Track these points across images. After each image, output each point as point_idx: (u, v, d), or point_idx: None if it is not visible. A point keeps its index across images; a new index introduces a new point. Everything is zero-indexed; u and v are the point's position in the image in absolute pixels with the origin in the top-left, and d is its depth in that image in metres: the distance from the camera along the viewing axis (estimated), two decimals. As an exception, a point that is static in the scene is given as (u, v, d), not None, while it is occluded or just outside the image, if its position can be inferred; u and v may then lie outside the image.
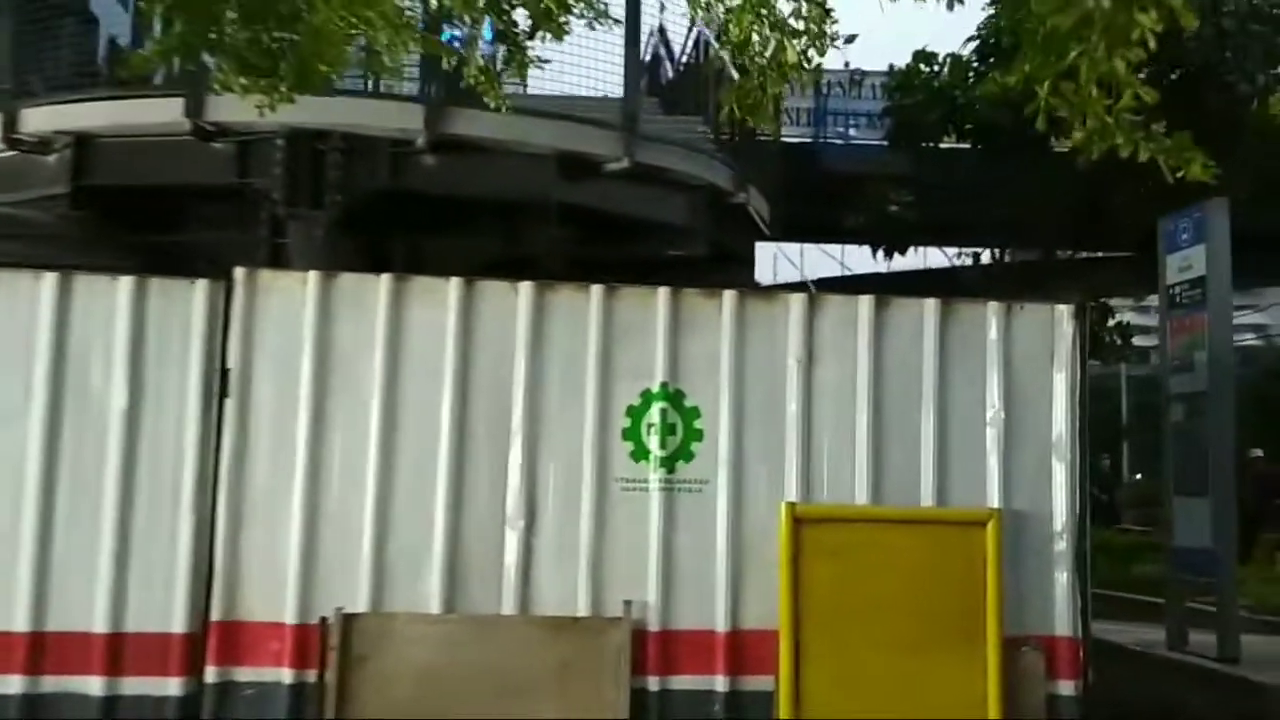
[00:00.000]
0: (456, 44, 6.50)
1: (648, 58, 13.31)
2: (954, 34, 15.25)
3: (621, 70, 10.42)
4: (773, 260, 22.18)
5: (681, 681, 5.50)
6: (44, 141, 9.51)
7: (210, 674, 5.35)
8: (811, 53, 4.30)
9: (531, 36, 5.64)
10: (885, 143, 16.08)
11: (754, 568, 5.57)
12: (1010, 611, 5.54)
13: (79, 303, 5.52)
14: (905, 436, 5.71)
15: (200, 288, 5.57)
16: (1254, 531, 12.89)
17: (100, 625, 5.33)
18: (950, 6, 4.42)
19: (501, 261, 8.47)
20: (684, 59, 13.86)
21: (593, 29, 5.77)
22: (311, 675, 5.33)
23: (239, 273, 5.60)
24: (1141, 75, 3.66)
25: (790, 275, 20.80)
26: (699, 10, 5.66)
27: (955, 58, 15.43)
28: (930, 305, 5.82)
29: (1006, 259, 17.36)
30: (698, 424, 5.67)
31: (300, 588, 5.41)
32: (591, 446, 5.60)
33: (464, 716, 5.30)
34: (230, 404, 5.49)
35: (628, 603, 5.49)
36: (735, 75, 8.60)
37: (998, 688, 5.46)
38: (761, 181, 11.95)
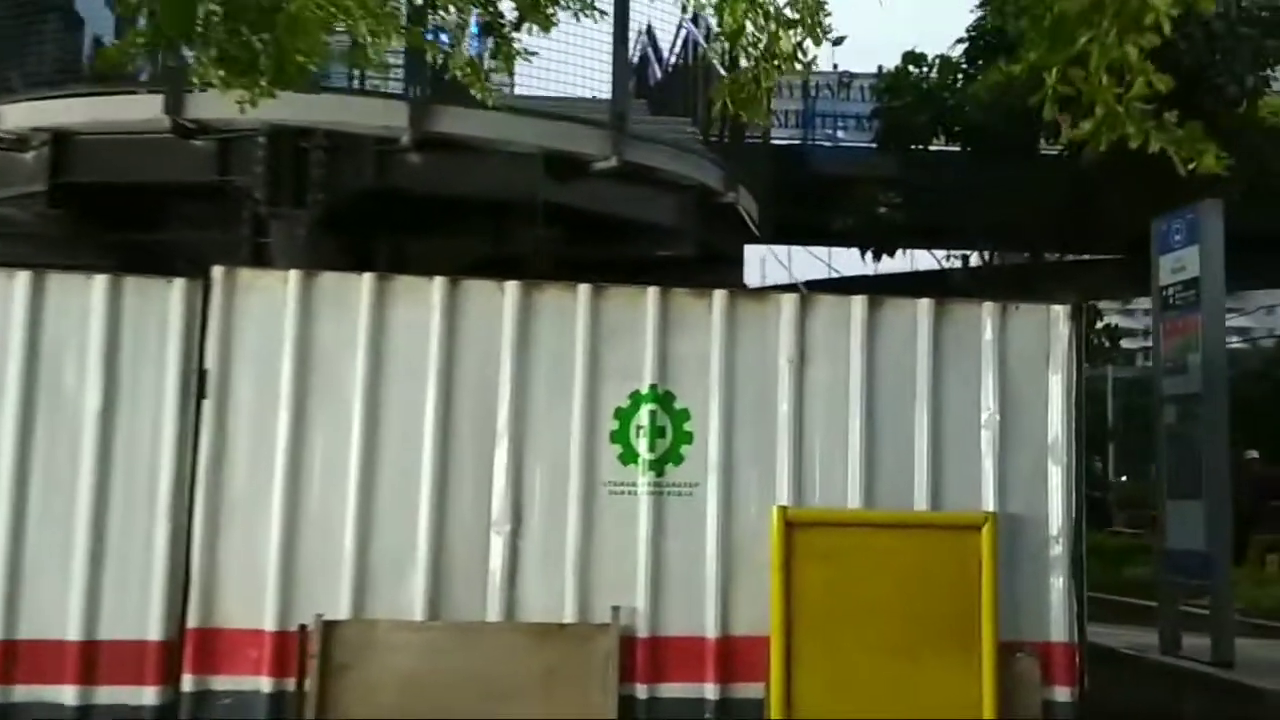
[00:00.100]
0: (444, 38, 6.39)
1: (636, 59, 13.25)
2: (943, 36, 15.25)
3: (609, 70, 10.34)
4: (760, 263, 22.17)
5: (671, 689, 5.40)
6: (21, 138, 9.39)
7: (187, 683, 5.23)
8: (807, 43, 4.21)
9: (518, 28, 5.54)
10: (874, 145, 16.05)
11: (745, 573, 5.48)
12: (1005, 616, 5.46)
13: (53, 301, 5.41)
14: (899, 439, 5.63)
15: (177, 287, 5.47)
16: (1246, 533, 12.86)
17: (74, 633, 5.21)
18: None
19: (488, 262, 8.37)
20: (672, 60, 13.81)
21: (578, 20, 5.66)
22: (291, 684, 5.22)
23: (217, 271, 5.49)
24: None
25: (779, 277, 20.77)
26: (691, -1, 5.56)
27: (944, 59, 15.41)
28: (924, 305, 5.74)
29: (995, 262, 17.35)
30: (687, 426, 5.58)
31: (280, 594, 5.30)
32: (579, 449, 5.51)
33: (448, 727, 5.19)
34: (208, 405, 5.39)
35: (616, 608, 5.40)
36: (724, 73, 8.53)
37: (993, 694, 5.39)
38: (750, 183, 11.89)
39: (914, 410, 5.65)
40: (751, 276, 17.92)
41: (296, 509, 5.36)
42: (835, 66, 17.58)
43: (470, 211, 9.79)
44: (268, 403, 5.40)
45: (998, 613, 5.44)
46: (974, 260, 17.72)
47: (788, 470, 5.56)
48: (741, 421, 5.60)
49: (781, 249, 20.75)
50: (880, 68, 16.44)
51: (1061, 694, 5.54)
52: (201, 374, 5.40)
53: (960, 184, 14.53)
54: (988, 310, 5.76)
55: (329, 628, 5.23)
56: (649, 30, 13.80)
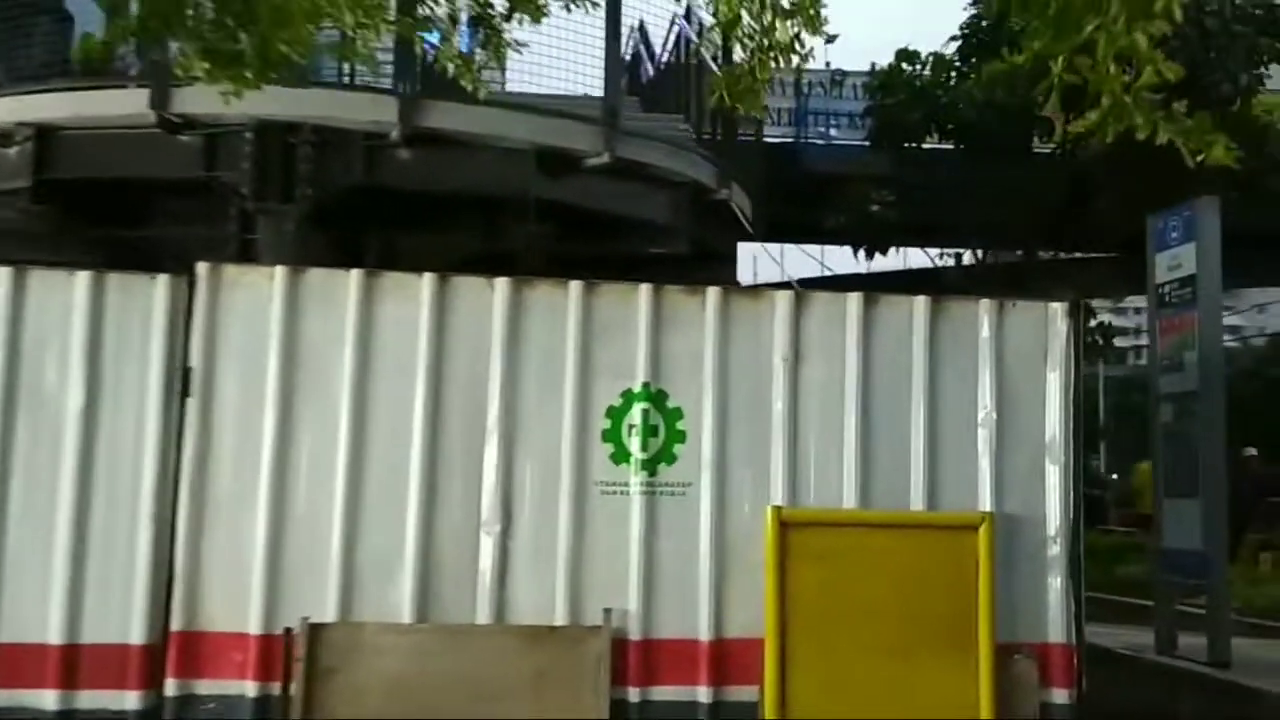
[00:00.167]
0: (433, 38, 6.30)
1: (628, 56, 13.17)
2: (936, 35, 15.21)
3: (602, 67, 10.26)
4: (753, 261, 22.11)
5: (663, 692, 5.34)
6: (5, 134, 9.26)
7: (170, 686, 5.15)
8: (805, 34, 4.13)
9: (509, 19, 5.45)
10: (867, 143, 16.00)
11: (739, 574, 5.41)
12: (1002, 618, 5.41)
13: (34, 298, 5.33)
14: (895, 438, 5.57)
15: (161, 283, 5.39)
16: (1242, 532, 12.83)
17: (55, 636, 5.12)
18: None
19: (479, 258, 8.28)
20: (664, 58, 13.73)
21: (569, 10, 5.57)
22: (276, 688, 5.13)
23: (202, 267, 5.41)
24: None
25: (772, 275, 20.71)
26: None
27: (938, 57, 15.36)
28: (920, 303, 5.68)
29: (988, 260, 17.32)
30: (680, 425, 5.51)
31: (265, 596, 5.21)
32: (570, 448, 5.43)
33: (436, 730, 5.11)
34: (192, 403, 5.30)
35: (607, 611, 5.32)
36: (717, 71, 8.45)
37: (990, 697, 5.33)
38: (743, 181, 11.83)
39: (910, 409, 5.59)
40: (744, 275, 17.88)
41: (282, 509, 5.28)
42: (827, 64, 17.52)
43: (461, 208, 9.70)
44: (253, 401, 5.32)
45: (995, 614, 5.38)
46: (967, 258, 17.68)
47: (782, 470, 5.49)
48: (735, 420, 5.53)
49: (774, 247, 20.73)
50: (873, 65, 16.38)
51: (1059, 696, 5.49)
52: (186, 371, 5.32)
53: (953, 182, 14.50)
54: (985, 307, 5.70)
55: (315, 630, 5.15)
56: (641, 27, 13.73)
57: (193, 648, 5.17)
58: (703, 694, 5.34)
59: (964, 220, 15.06)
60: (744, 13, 4.11)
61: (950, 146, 15.30)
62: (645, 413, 5.49)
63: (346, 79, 10.03)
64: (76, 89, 9.19)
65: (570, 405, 5.45)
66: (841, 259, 18.42)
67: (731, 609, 5.40)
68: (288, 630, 5.16)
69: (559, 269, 6.46)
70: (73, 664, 5.11)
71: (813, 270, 20.79)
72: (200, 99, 6.55)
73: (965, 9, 15.14)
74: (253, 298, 5.39)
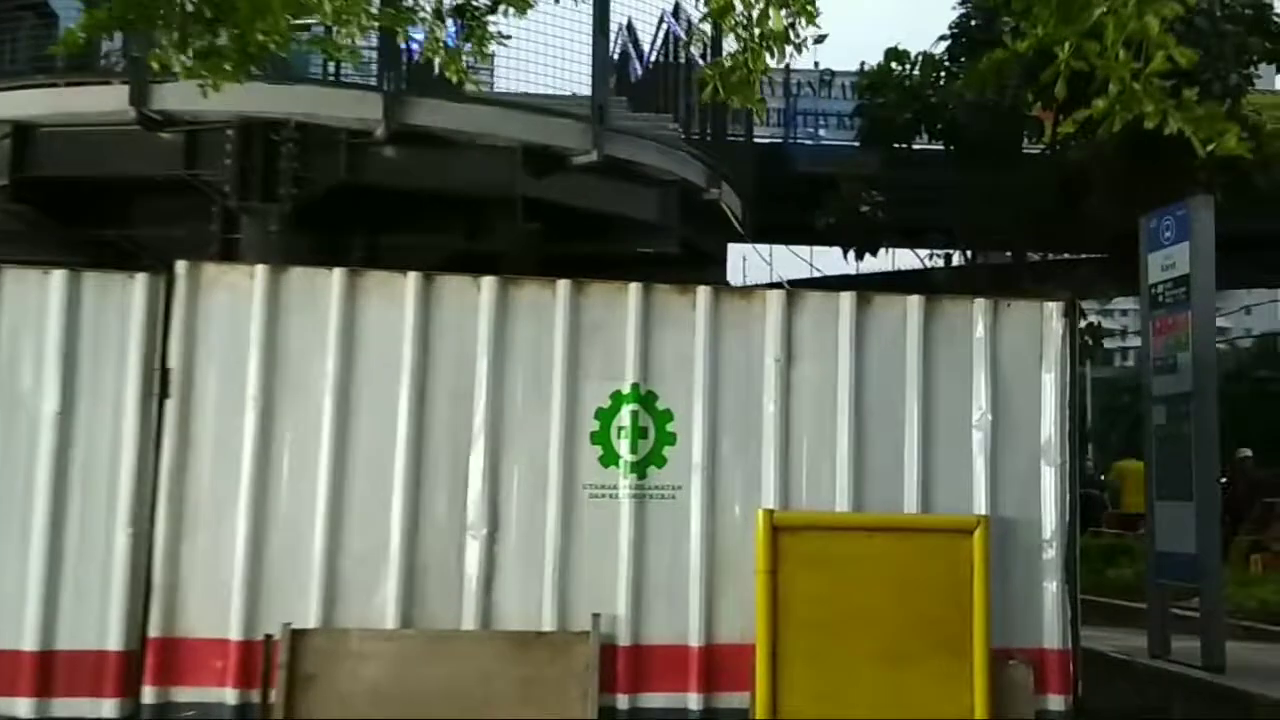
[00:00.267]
0: (417, 26, 6.19)
1: (616, 55, 13.08)
2: (925, 36, 15.16)
3: (589, 66, 10.17)
4: (742, 262, 22.02)
5: (653, 699, 5.27)
6: (-18, 132, 9.11)
7: (148, 694, 5.07)
8: (800, 23, 4.03)
9: (493, 10, 5.36)
10: (856, 143, 15.95)
11: (730, 579, 5.35)
12: (997, 622, 5.34)
13: (7, 298, 5.24)
14: (888, 440, 5.50)
15: (139, 282, 5.31)
16: (1233, 534, 12.80)
17: (30, 643, 5.04)
18: None
19: (465, 258, 8.19)
20: (653, 57, 13.65)
21: (556, 1, 5.47)
22: (257, 695, 5.05)
23: (181, 266, 5.33)
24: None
25: (761, 276, 20.64)
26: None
27: (927, 56, 15.30)
28: (914, 302, 5.62)
29: (978, 260, 17.28)
30: (670, 427, 5.43)
31: (245, 602, 5.13)
32: (558, 451, 5.35)
33: (421, 739, 5.02)
34: (171, 405, 5.21)
35: (596, 616, 5.25)
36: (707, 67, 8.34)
37: (984, 703, 5.26)
38: (733, 181, 11.75)
39: (904, 410, 5.53)
40: (733, 276, 17.81)
41: (263, 512, 5.20)
42: (816, 64, 17.48)
43: (447, 206, 9.63)
44: (233, 402, 5.24)
45: (989, 618, 5.32)
46: (956, 259, 17.63)
47: (774, 472, 5.43)
48: (726, 422, 5.46)
49: (763, 248, 20.65)
50: (863, 65, 16.32)
51: (1055, 702, 5.43)
52: (164, 372, 5.23)
53: (942, 182, 14.45)
54: (979, 307, 5.64)
55: (296, 637, 5.07)
56: (629, 26, 13.64)
57: (171, 654, 5.09)
58: (693, 700, 5.27)
59: (953, 221, 15.02)
60: (736, 1, 4.01)
61: (940, 147, 15.25)
62: (635, 415, 5.41)
63: (331, 76, 9.91)
64: (55, 85, 9.06)
65: (558, 407, 5.37)
66: (828, 261, 18.38)
67: (722, 614, 5.33)
68: (269, 637, 5.07)
69: (546, 269, 6.38)
70: (48, 671, 5.03)
71: (801, 272, 20.75)
72: (181, 95, 6.47)
73: (954, 8, 15.11)
74: (233, 297, 5.30)
